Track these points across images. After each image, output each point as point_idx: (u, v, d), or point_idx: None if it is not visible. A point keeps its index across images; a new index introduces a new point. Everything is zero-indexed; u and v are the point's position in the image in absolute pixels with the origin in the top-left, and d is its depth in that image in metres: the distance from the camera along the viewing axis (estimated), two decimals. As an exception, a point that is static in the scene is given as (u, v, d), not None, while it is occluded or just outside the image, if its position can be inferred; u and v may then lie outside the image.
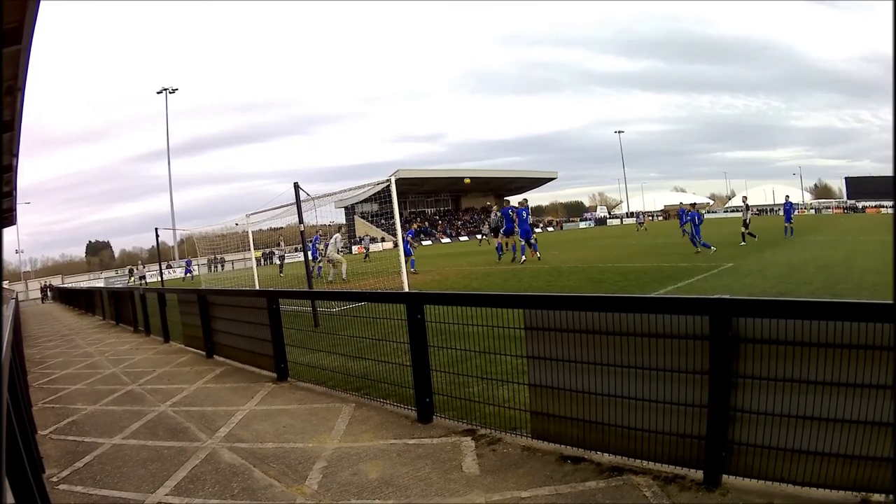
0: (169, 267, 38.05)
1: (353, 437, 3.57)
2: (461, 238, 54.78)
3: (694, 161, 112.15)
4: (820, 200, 64.65)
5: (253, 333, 5.73)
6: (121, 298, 13.03)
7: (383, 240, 43.14)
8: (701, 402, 2.47)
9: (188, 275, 32.27)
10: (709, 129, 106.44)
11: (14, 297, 15.42)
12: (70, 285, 37.07)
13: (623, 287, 9.10)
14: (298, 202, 8.45)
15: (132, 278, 35.40)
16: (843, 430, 2.16)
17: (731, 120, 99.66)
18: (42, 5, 4.48)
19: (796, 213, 26.16)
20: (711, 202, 75.89)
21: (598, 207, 79.12)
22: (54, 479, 3.34)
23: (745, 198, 18.70)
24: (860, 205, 52.14)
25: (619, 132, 72.45)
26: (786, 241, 16.93)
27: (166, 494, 2.98)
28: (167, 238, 47.20)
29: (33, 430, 3.92)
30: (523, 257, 15.35)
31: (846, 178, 57.63)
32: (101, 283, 36.98)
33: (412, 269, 14.53)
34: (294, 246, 22.47)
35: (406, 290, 7.80)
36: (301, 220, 8.60)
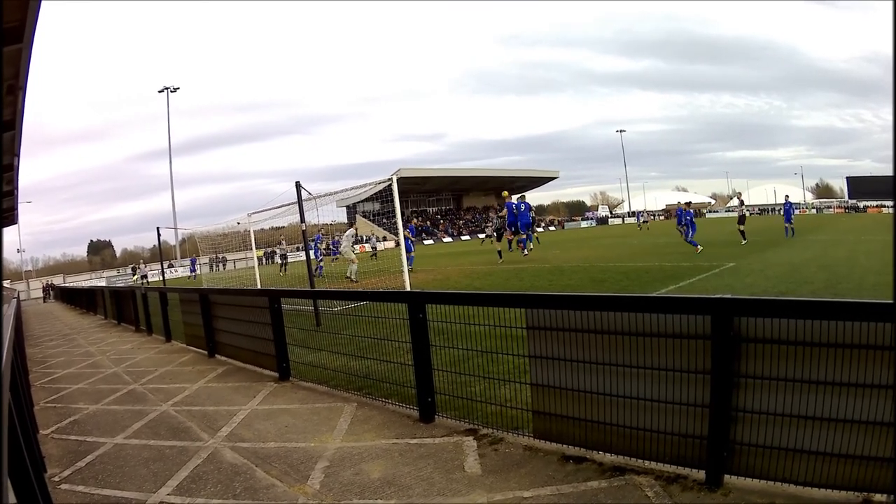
0: (171, 266, 38.10)
1: (355, 437, 3.57)
2: (463, 237, 54.75)
3: (695, 161, 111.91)
4: (821, 200, 64.52)
5: (255, 333, 5.74)
6: (122, 298, 13.05)
7: (385, 239, 43.12)
8: (703, 401, 2.47)
9: (193, 273, 32.34)
10: (710, 128, 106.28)
11: (16, 296, 15.44)
12: (71, 284, 37.14)
13: (624, 286, 9.09)
14: (300, 201, 8.46)
15: (135, 277, 35.46)
16: (844, 430, 2.15)
17: (731, 119, 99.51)
18: (43, 4, 4.49)
19: (797, 213, 25.94)
20: (713, 202, 75.79)
21: (600, 207, 79.09)
22: (56, 479, 3.35)
23: (739, 194, 18.71)
24: (861, 204, 52.04)
25: (621, 131, 72.58)
26: (787, 241, 16.91)
27: (168, 494, 2.99)
28: (169, 237, 47.31)
29: (35, 430, 3.93)
30: (531, 245, 15.64)
31: (847, 178, 57.63)
32: (102, 283, 37.04)
33: (409, 267, 14.58)
34: (296, 245, 22.51)
35: (408, 289, 7.80)
36: (303, 220, 8.61)
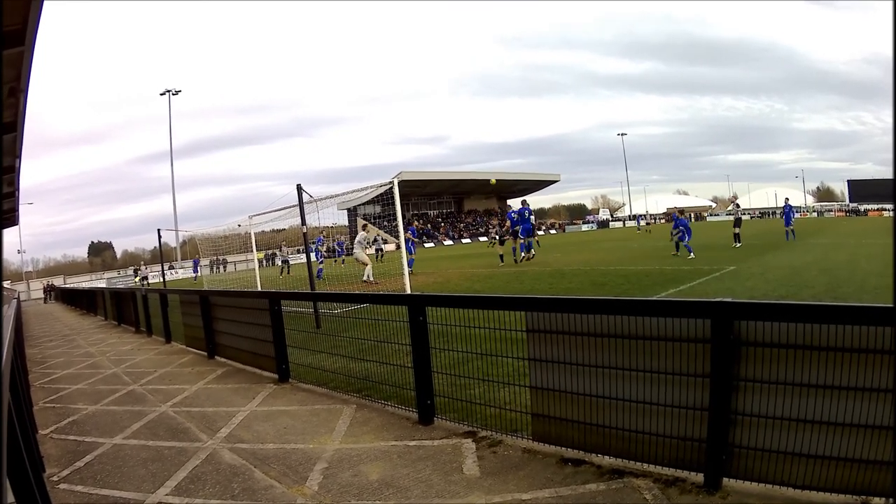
0: (171, 268, 38.11)
1: (353, 439, 3.57)
2: (464, 240, 54.73)
3: (696, 164, 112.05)
4: (822, 203, 64.56)
5: (254, 334, 5.74)
6: (122, 299, 13.06)
7: (385, 241, 43.15)
8: (702, 405, 2.47)
9: (196, 274, 32.36)
10: (711, 131, 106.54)
11: (16, 297, 15.46)
12: (72, 285, 37.16)
13: (625, 290, 9.09)
14: (301, 204, 8.47)
15: (137, 278, 35.49)
16: (843, 433, 2.15)
17: (733, 122, 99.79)
18: (45, 7, 4.51)
19: (798, 216, 25.71)
20: (714, 205, 75.79)
21: (601, 210, 79.13)
22: (55, 479, 3.35)
23: (734, 196, 18.69)
24: (862, 207, 52.08)
25: (622, 135, 72.68)
26: (787, 244, 16.88)
27: (167, 494, 2.99)
28: (170, 239, 47.28)
29: (34, 430, 3.94)
30: (532, 253, 16.08)
31: (848, 181, 57.53)
32: (103, 284, 37.06)
33: (409, 270, 14.61)
34: (297, 248, 22.53)
35: (408, 291, 7.80)
36: (304, 222, 8.62)
